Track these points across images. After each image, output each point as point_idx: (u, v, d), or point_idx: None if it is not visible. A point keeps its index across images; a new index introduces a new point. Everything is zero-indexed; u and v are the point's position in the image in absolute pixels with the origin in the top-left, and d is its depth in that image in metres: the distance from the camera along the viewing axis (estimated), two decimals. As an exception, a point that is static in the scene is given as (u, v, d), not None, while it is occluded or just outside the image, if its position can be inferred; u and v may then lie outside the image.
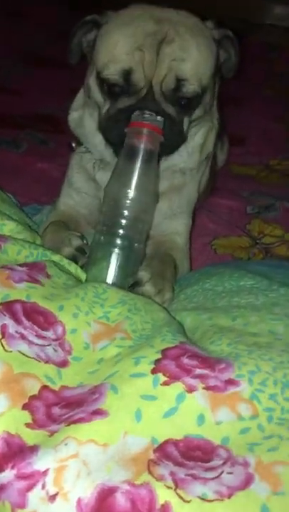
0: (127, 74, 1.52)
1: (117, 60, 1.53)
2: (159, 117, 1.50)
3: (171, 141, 1.59)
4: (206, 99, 1.66)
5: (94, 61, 1.63)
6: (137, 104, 1.53)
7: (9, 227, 1.54)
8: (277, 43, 4.50)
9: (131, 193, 1.48)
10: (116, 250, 1.48)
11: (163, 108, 1.54)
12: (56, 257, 1.43)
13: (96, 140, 1.73)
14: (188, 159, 1.78)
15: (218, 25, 1.71)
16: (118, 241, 1.49)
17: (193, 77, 1.55)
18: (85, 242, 1.62)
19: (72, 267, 1.46)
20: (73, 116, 1.84)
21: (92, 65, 1.65)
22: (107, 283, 1.39)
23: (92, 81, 1.64)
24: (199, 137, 1.77)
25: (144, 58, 1.51)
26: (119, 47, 1.54)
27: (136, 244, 1.52)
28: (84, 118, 1.77)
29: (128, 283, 1.48)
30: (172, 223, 1.84)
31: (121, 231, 1.49)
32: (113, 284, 1.41)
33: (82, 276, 1.47)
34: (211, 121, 1.82)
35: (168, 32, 1.54)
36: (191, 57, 1.55)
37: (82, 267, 1.52)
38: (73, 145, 1.84)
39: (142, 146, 1.49)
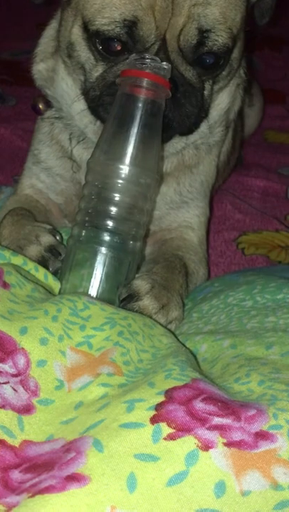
0: (131, 25, 1.53)
1: (116, 6, 1.53)
2: (164, 63, 1.51)
3: (190, 116, 1.61)
4: (235, 53, 1.68)
5: (77, 4, 1.63)
6: None
7: None
8: None
9: (125, 169, 1.49)
10: (103, 249, 1.50)
11: (181, 72, 1.56)
12: (18, 260, 1.44)
13: (75, 109, 1.75)
14: (208, 134, 1.81)
15: None
16: (106, 237, 1.50)
17: (221, 26, 1.57)
18: (58, 238, 1.64)
19: (41, 273, 1.47)
20: (39, 68, 1.86)
21: (72, 9, 1.66)
22: (89, 295, 1.39)
23: (75, 34, 1.64)
24: (224, 102, 1.80)
25: (154, 3, 1.52)
26: None
27: (131, 242, 1.53)
28: (57, 73, 1.78)
29: (120, 296, 1.49)
30: (182, 214, 1.87)
31: (110, 223, 1.50)
32: (99, 297, 1.42)
33: (55, 285, 1.49)
34: (239, 75, 1.84)
35: None
36: None
37: (54, 274, 1.53)
38: (40, 107, 1.86)
39: (141, 103, 1.50)
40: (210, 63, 1.60)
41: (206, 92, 1.64)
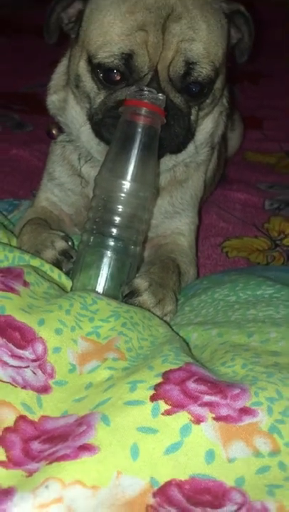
0: (127, 58, 1.52)
1: (115, 42, 1.53)
2: (160, 95, 1.50)
3: (178, 136, 1.61)
4: (217, 84, 1.67)
5: (83, 42, 1.63)
6: None
7: (-22, 227, 1.55)
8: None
9: (126, 184, 1.49)
10: (108, 253, 1.49)
11: (171, 98, 1.55)
12: (36, 262, 1.43)
13: (83, 132, 1.74)
14: (195, 153, 1.80)
15: None
16: (111, 242, 1.49)
17: (205, 59, 1.56)
18: (70, 244, 1.63)
19: (56, 274, 1.47)
20: (52, 99, 1.85)
21: (79, 47, 1.65)
22: (97, 292, 1.39)
23: (81, 67, 1.64)
24: (208, 127, 1.79)
25: (147, 39, 1.51)
26: (116, 26, 1.53)
27: (132, 247, 1.52)
28: (68, 103, 1.77)
29: (123, 292, 1.49)
30: (174, 222, 1.86)
31: (114, 231, 1.49)
32: (105, 294, 1.41)
33: (68, 284, 1.48)
34: (221, 104, 1.83)
35: (174, 5, 1.54)
36: (201, 36, 1.56)
37: (67, 274, 1.52)
38: (53, 132, 1.85)
39: (140, 129, 1.49)
40: (195, 92, 1.59)
41: (192, 117, 1.64)
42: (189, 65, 1.54)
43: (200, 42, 1.55)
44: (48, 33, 1.73)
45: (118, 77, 1.56)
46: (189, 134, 1.65)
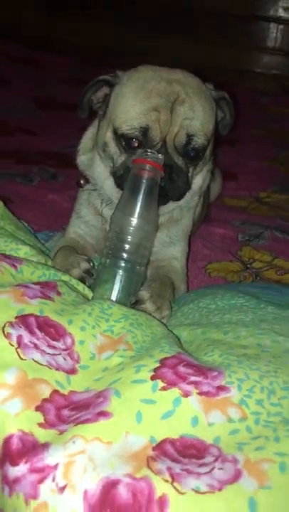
0: (144, 131, 1.60)
1: (136, 119, 1.60)
2: (160, 155, 1.57)
3: (180, 189, 1.67)
4: (208, 150, 1.74)
5: (109, 118, 1.69)
6: None
7: (24, 251, 1.58)
8: (267, 89, 4.63)
9: (134, 221, 1.53)
10: (120, 272, 1.52)
11: (175, 161, 1.62)
12: (66, 277, 1.46)
13: (106, 184, 1.79)
14: (190, 200, 1.85)
15: (216, 87, 1.79)
16: (122, 264, 1.52)
17: (201, 132, 1.63)
18: (91, 265, 1.65)
19: (81, 287, 1.49)
20: (82, 158, 1.89)
21: (106, 121, 1.71)
22: (111, 301, 1.41)
23: (108, 137, 1.69)
24: (199, 181, 1.83)
25: (160, 117, 1.59)
26: (136, 107, 1.61)
27: (138, 267, 1.55)
28: (94, 162, 1.81)
29: (131, 301, 1.51)
30: (170, 250, 1.88)
31: (125, 255, 1.53)
32: (117, 302, 1.42)
33: (89, 294, 1.50)
34: (208, 164, 1.87)
35: (178, 93, 1.62)
36: (198, 116, 1.63)
37: (89, 287, 1.55)
38: (82, 182, 1.89)
39: (145, 180, 1.54)
40: (193, 156, 1.65)
41: (189, 174, 1.69)
42: (189, 137, 1.61)
43: (197, 120, 1.62)
44: (81, 110, 1.79)
45: (136, 144, 1.61)
46: (187, 187, 1.71)
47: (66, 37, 4.95)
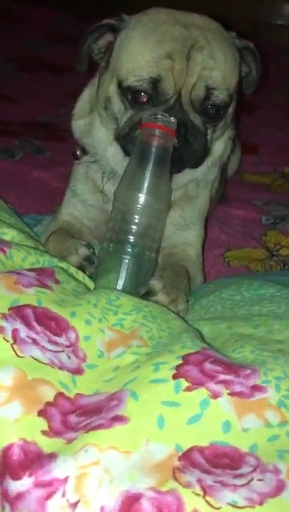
0: (155, 82, 1.58)
1: (145, 68, 1.59)
2: (172, 118, 1.55)
3: (197, 153, 1.65)
4: (230, 109, 1.73)
5: (113, 69, 1.68)
6: None
7: (10, 235, 1.58)
8: (289, 44, 4.63)
9: (142, 197, 1.52)
10: (126, 258, 1.52)
11: (191, 119, 1.61)
12: (63, 265, 1.47)
13: (109, 151, 1.78)
14: (208, 172, 1.85)
15: (239, 36, 1.78)
16: (128, 249, 1.53)
17: (222, 85, 1.62)
18: (92, 251, 1.66)
19: (80, 276, 1.50)
20: (78, 124, 1.88)
21: (109, 73, 1.71)
22: (118, 291, 1.42)
23: (111, 91, 1.68)
24: (220, 149, 1.83)
25: (174, 66, 1.57)
26: (146, 54, 1.59)
27: (147, 253, 1.56)
28: (94, 127, 1.81)
29: (140, 293, 1.51)
30: (184, 234, 1.89)
31: (132, 238, 1.53)
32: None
33: (91, 285, 1.51)
34: (230, 129, 1.88)
35: (197, 38, 1.61)
36: (220, 65, 1.62)
37: (89, 277, 1.55)
38: (78, 153, 1.88)
39: (154, 148, 1.54)
40: (213, 114, 1.64)
41: (208, 137, 1.68)
42: (209, 90, 1.60)
43: (218, 70, 1.61)
44: (79, 61, 1.77)
45: (145, 99, 1.60)
46: (206, 151, 1.70)
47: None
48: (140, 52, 1.60)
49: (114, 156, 1.76)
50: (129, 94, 1.62)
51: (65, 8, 4.86)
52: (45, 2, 4.92)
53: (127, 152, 1.68)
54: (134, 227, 1.53)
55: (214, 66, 1.60)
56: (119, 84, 1.65)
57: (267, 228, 2.34)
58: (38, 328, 1.10)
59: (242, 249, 2.18)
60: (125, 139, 1.66)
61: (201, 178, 1.84)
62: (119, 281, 1.52)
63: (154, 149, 1.54)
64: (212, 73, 1.60)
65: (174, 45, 1.59)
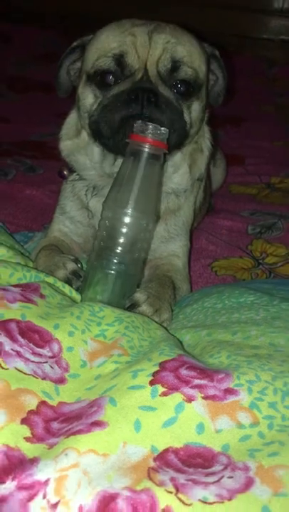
0: (119, 58, 1.63)
1: (108, 50, 1.64)
2: (163, 128, 1.54)
3: (174, 122, 1.63)
4: (202, 92, 1.75)
5: (83, 70, 1.74)
6: (132, 87, 1.60)
7: (0, 253, 1.63)
8: (276, 57, 4.70)
9: (128, 213, 1.53)
10: (111, 273, 1.55)
11: (161, 91, 1.62)
12: (50, 280, 1.52)
13: (94, 166, 1.82)
14: (180, 180, 1.88)
15: (208, 43, 1.84)
16: (113, 265, 1.55)
17: (189, 61, 1.67)
18: (79, 265, 1.70)
19: (67, 289, 1.55)
20: (65, 143, 1.93)
21: (81, 78, 1.76)
22: (103, 302, 1.45)
23: (81, 87, 1.73)
24: (187, 157, 1.87)
25: (136, 41, 1.64)
26: (109, 39, 1.66)
27: (132, 267, 1.59)
28: (79, 146, 1.85)
29: (124, 305, 1.55)
30: (169, 246, 1.93)
31: (117, 253, 1.55)
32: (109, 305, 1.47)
33: (77, 298, 1.56)
34: (197, 141, 1.92)
35: (159, 24, 1.68)
36: (184, 43, 1.68)
37: (76, 290, 1.59)
38: (65, 173, 1.94)
39: (143, 163, 1.51)
40: (183, 90, 1.67)
41: (185, 115, 1.69)
42: (175, 62, 1.65)
43: (183, 46, 1.67)
44: (59, 87, 1.84)
45: (111, 79, 1.65)
46: (182, 123, 1.68)
47: (38, 4, 4.99)
48: (104, 41, 1.68)
49: (99, 170, 1.81)
50: (98, 78, 1.66)
51: (53, 27, 4.93)
52: (36, 22, 4.99)
53: (100, 137, 1.70)
54: (119, 247, 1.55)
55: (178, 42, 1.66)
56: (88, 77, 1.70)
57: (253, 237, 2.39)
58: (21, 340, 1.15)
59: (229, 259, 2.22)
60: (97, 124, 1.68)
61: (176, 188, 1.87)
62: (105, 294, 1.55)
63: (143, 164, 1.52)
64: (176, 47, 1.66)
65: (136, 27, 1.67)
